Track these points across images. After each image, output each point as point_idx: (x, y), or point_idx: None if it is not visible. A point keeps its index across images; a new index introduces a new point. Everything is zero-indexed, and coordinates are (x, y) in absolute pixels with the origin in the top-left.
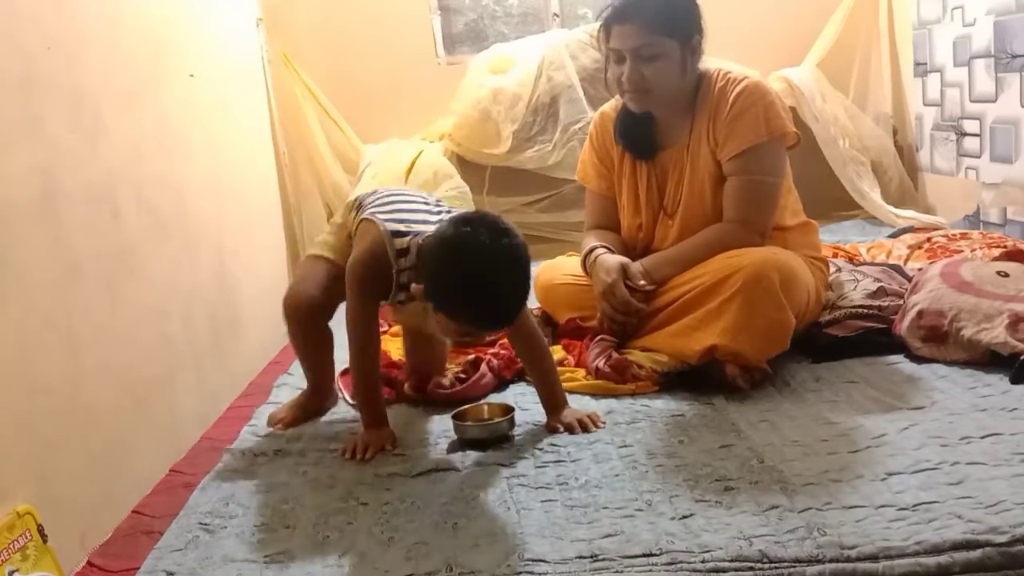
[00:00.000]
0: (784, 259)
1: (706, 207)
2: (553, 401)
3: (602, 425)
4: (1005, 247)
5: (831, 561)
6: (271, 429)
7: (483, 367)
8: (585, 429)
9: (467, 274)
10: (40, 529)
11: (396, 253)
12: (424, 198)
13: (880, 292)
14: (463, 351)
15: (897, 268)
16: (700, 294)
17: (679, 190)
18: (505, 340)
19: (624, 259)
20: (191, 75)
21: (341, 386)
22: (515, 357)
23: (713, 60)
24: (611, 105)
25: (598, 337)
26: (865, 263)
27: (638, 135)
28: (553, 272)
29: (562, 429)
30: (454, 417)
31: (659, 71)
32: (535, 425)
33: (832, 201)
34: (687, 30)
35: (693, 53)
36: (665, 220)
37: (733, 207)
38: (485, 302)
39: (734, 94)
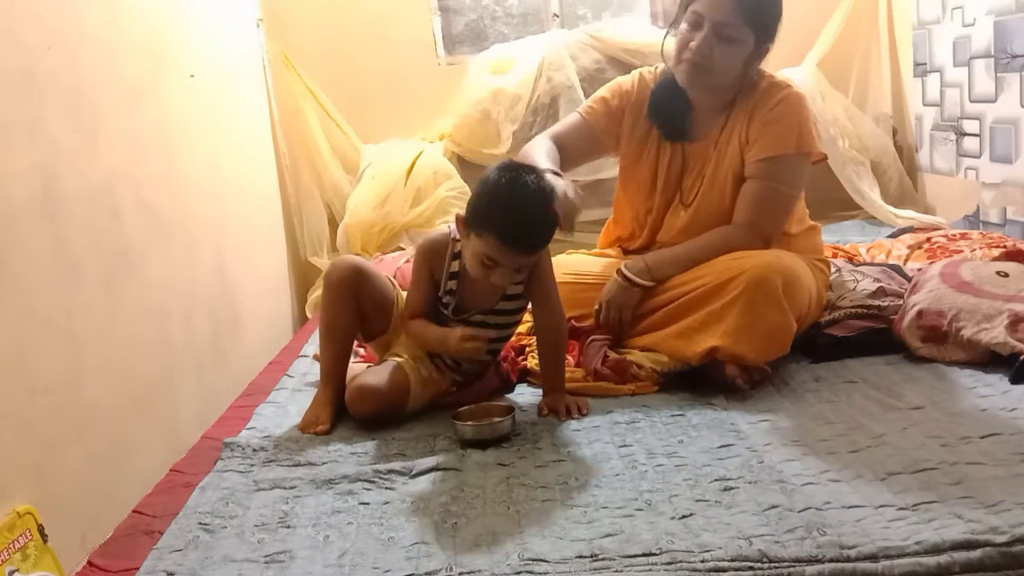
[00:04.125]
0: (787, 262)
1: (724, 203)
2: (551, 383)
3: (586, 412)
4: (1005, 247)
5: (831, 561)
6: (308, 434)
7: (489, 370)
8: (570, 414)
9: (498, 188)
10: (40, 529)
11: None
12: None
13: (880, 292)
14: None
15: (897, 268)
16: (702, 295)
17: (699, 182)
18: (511, 345)
19: (636, 262)
20: (191, 75)
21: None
22: (532, 333)
23: None
24: (650, 72)
25: (591, 339)
26: (865, 263)
27: (672, 116)
28: (555, 271)
29: (546, 411)
30: (454, 417)
31: (728, 56)
32: (535, 424)
33: (832, 201)
34: (768, 31)
35: (760, 57)
36: (679, 209)
37: (745, 210)
38: (510, 211)
39: (776, 99)
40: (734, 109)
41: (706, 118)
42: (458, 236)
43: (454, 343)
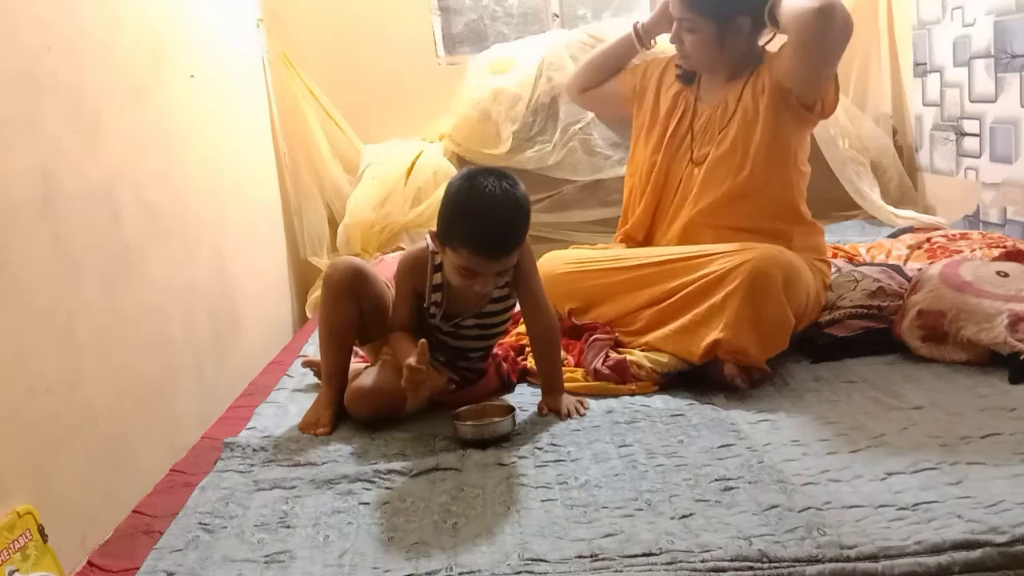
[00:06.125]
0: (788, 258)
1: (735, 161)
2: (549, 384)
3: (585, 412)
4: (1005, 247)
5: (831, 561)
6: (310, 435)
7: (490, 370)
8: (570, 415)
9: (464, 196)
10: (40, 529)
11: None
12: None
13: (880, 292)
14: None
15: (897, 268)
16: (704, 288)
17: (710, 145)
18: (511, 345)
19: None
20: (191, 75)
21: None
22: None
23: None
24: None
25: (592, 338)
26: (865, 263)
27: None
28: (553, 263)
29: (546, 411)
30: (454, 417)
31: (694, 44)
32: (535, 424)
33: (832, 201)
34: (725, 12)
35: (738, 32)
36: (692, 168)
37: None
38: (476, 221)
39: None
40: (749, 78)
41: (719, 85)
42: (435, 249)
43: (404, 369)
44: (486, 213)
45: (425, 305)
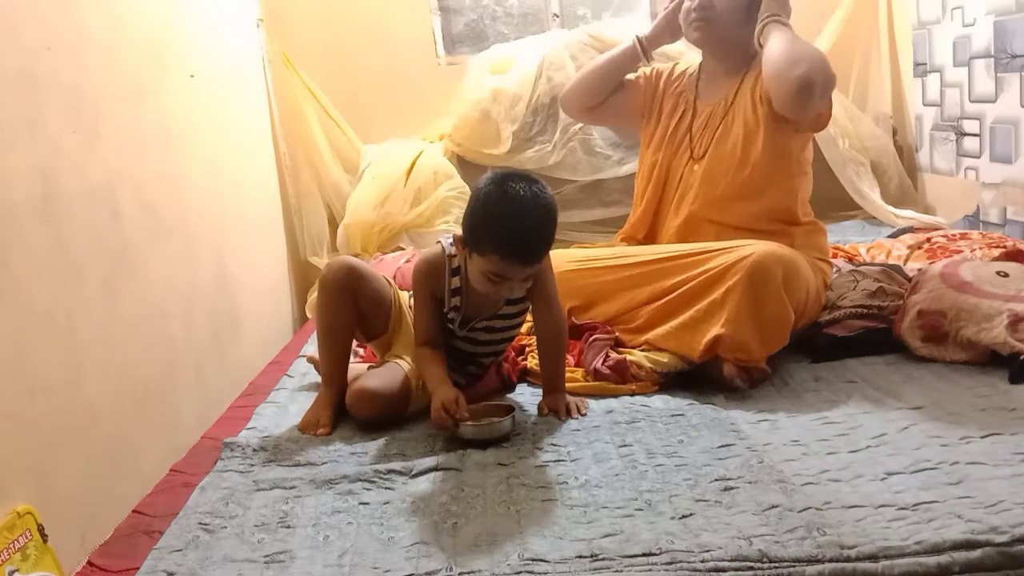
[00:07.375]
0: (789, 254)
1: (736, 156)
2: (551, 384)
3: (586, 412)
4: (1005, 247)
5: (831, 561)
6: (310, 435)
7: (490, 370)
8: (570, 414)
9: (494, 201)
10: (40, 529)
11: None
12: None
13: (880, 292)
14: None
15: (897, 268)
16: (704, 284)
17: (711, 137)
18: (511, 345)
19: None
20: (191, 75)
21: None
22: (532, 334)
23: None
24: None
25: (592, 338)
26: (865, 263)
27: None
28: (555, 260)
29: (546, 411)
30: None
31: (727, 1)
32: (535, 424)
33: (832, 201)
34: None
35: (757, 6)
36: (692, 164)
37: None
38: (507, 226)
39: None
40: (747, 73)
41: (719, 78)
42: (453, 252)
43: (432, 403)
44: (518, 219)
45: (444, 310)
